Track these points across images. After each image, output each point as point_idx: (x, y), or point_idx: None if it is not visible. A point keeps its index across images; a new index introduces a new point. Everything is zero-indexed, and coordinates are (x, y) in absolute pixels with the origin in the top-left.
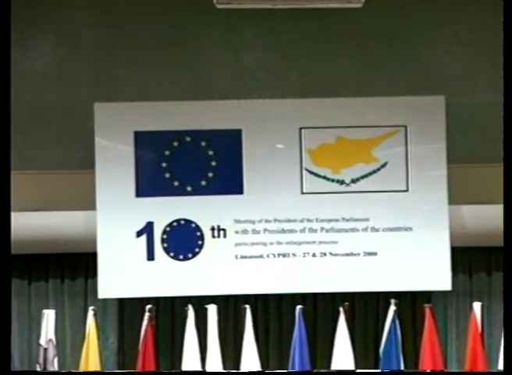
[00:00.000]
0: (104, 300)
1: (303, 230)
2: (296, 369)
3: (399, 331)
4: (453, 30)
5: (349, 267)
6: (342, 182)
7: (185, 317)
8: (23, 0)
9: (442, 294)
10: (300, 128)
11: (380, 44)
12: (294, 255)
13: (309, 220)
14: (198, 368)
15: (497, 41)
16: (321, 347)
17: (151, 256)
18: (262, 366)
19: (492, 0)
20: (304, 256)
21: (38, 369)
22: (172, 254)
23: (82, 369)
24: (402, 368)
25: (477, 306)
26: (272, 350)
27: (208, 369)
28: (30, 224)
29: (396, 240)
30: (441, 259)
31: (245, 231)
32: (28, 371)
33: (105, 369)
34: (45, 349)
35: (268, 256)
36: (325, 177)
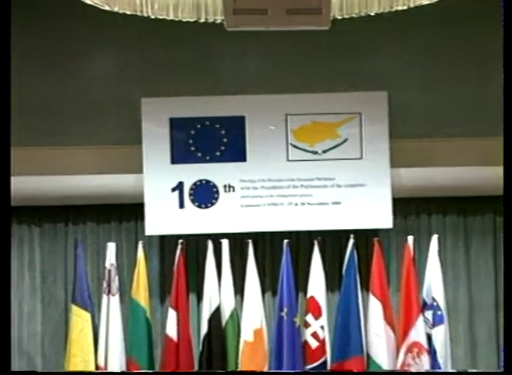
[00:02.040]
0: (150, 236)
1: (288, 187)
2: (284, 286)
3: (356, 258)
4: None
5: (320, 212)
6: (316, 152)
7: (205, 249)
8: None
9: (386, 231)
10: (286, 114)
11: (345, 55)
12: (282, 204)
13: (292, 180)
14: (214, 279)
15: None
16: (302, 268)
17: (181, 205)
18: (261, 284)
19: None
20: (289, 205)
21: (104, 285)
22: (196, 203)
23: (134, 284)
24: (358, 283)
25: (410, 239)
26: (268, 271)
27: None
28: (101, 183)
29: (354, 193)
30: (385, 206)
31: (247, 188)
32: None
33: (150, 282)
34: (109, 270)
35: (263, 205)
36: (303, 149)
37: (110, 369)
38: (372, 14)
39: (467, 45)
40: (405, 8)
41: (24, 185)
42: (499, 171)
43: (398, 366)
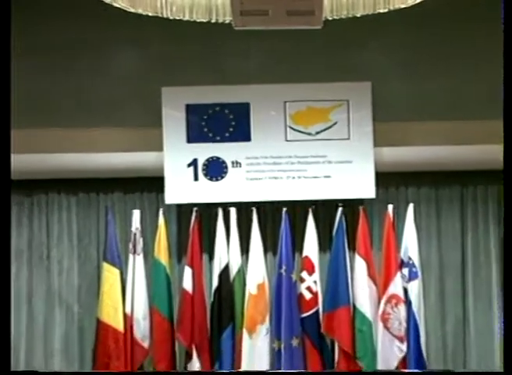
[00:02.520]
0: (169, 205)
1: (286, 163)
2: (283, 247)
3: (344, 223)
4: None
5: (314, 185)
6: (310, 134)
7: (216, 216)
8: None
9: (370, 200)
10: (285, 101)
11: (335, 50)
12: (281, 177)
13: (290, 157)
14: (223, 241)
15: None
16: (298, 232)
17: (196, 178)
18: (264, 245)
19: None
20: (287, 178)
21: (131, 246)
22: (208, 177)
23: (156, 245)
24: (345, 245)
25: (390, 208)
26: (269, 235)
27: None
28: (127, 160)
29: (342, 168)
30: (369, 179)
31: (252, 164)
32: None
33: (169, 244)
34: (135, 234)
35: (265, 178)
36: (299, 131)
37: (136, 316)
38: (358, 16)
39: (441, 42)
40: (386, 10)
41: (63, 162)
42: (466, 149)
43: (379, 314)
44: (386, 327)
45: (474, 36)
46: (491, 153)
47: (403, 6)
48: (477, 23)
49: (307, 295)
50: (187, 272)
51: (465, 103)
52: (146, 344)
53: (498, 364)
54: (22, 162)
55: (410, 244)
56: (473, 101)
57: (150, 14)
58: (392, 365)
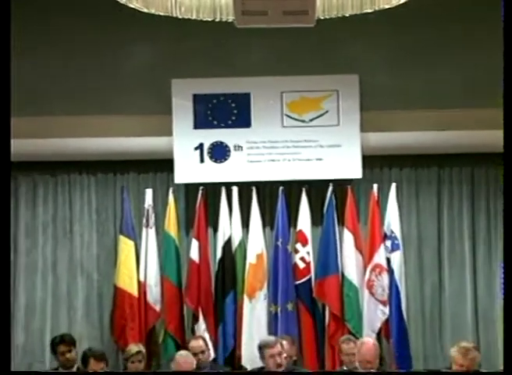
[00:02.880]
0: (178, 184)
1: (283, 147)
2: (279, 222)
3: (334, 201)
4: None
5: (307, 166)
6: (303, 121)
7: (220, 194)
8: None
9: (357, 180)
10: (281, 92)
11: (326, 46)
12: (278, 160)
13: (286, 141)
14: (226, 217)
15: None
16: (293, 209)
17: (202, 160)
18: (262, 220)
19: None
20: (283, 160)
21: (144, 221)
22: (213, 159)
23: (166, 220)
24: (335, 220)
25: (375, 187)
26: (267, 211)
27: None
28: (141, 144)
29: (332, 151)
30: (356, 161)
31: (252, 147)
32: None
33: (178, 219)
34: (147, 210)
35: (264, 161)
36: (294, 118)
37: (148, 282)
38: (347, 15)
39: (422, 39)
40: (372, 10)
41: (83, 146)
42: (443, 135)
43: (365, 281)
44: (371, 293)
45: (451, 33)
46: (465, 138)
47: (387, 7)
48: (454, 22)
49: (301, 265)
50: (194, 244)
51: (443, 94)
52: (158, 308)
53: (469, 323)
54: (47, 146)
55: (392, 219)
56: (450, 92)
57: (161, 14)
58: (376, 326)
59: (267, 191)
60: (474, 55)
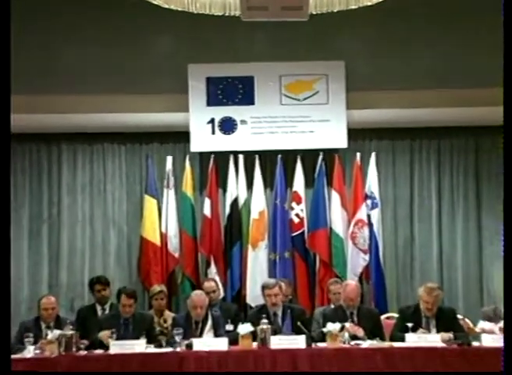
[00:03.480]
0: (193, 152)
1: (281, 121)
2: (278, 184)
3: (323, 166)
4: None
5: (301, 138)
6: (298, 99)
7: (228, 161)
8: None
9: (343, 149)
10: (280, 75)
11: (318, 37)
12: (277, 132)
13: (284, 117)
14: (233, 180)
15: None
16: (289, 173)
17: (213, 132)
18: (264, 182)
19: None
20: (282, 133)
21: (165, 182)
22: (222, 132)
23: (183, 182)
24: (325, 182)
25: (358, 155)
26: (268, 175)
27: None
28: (162, 119)
29: (322, 125)
30: (342, 134)
31: (255, 122)
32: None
33: (194, 181)
34: (168, 174)
35: (265, 133)
36: (291, 97)
37: (169, 234)
38: (335, 11)
39: (398, 30)
40: (356, 7)
41: (115, 120)
42: (416, 112)
43: (349, 234)
44: (354, 243)
45: (422, 26)
46: (435, 115)
47: (369, 4)
48: (426, 16)
49: (296, 220)
50: (207, 202)
51: (416, 77)
52: (176, 255)
53: (435, 268)
54: (85, 120)
55: (372, 182)
56: (423, 74)
57: (179, 9)
58: (358, 271)
59: (267, 158)
60: (443, 45)
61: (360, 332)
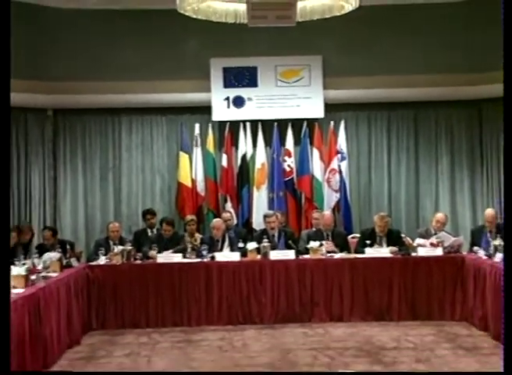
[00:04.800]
0: (214, 121)
1: (276, 99)
2: (274, 143)
3: (307, 131)
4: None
5: (291, 110)
6: (289, 83)
7: (239, 127)
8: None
9: (322, 119)
10: (276, 65)
11: (303, 38)
12: (274, 106)
13: (278, 95)
14: (243, 141)
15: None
16: (282, 134)
17: (228, 107)
18: (265, 142)
19: None
20: (278, 107)
21: (194, 142)
22: (235, 106)
23: (207, 142)
24: (308, 142)
25: (332, 123)
26: (267, 137)
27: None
28: (191, 97)
29: (306, 101)
30: (320, 107)
31: (258, 99)
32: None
33: (214, 141)
34: (196, 136)
35: (266, 107)
36: (283, 81)
37: (198, 179)
38: (314, 19)
39: (365, 32)
40: (330, 16)
41: (159, 98)
42: (373, 91)
43: (325, 178)
44: (329, 185)
45: (380, 28)
46: (386, 93)
47: (338, 14)
48: (379, 22)
49: (288, 169)
50: (224, 157)
51: (373, 66)
52: (203, 194)
53: (385, 202)
54: (139, 99)
55: (341, 142)
56: (378, 64)
57: (204, 18)
58: (332, 205)
59: (267, 125)
60: (394, 42)
61: (334, 247)
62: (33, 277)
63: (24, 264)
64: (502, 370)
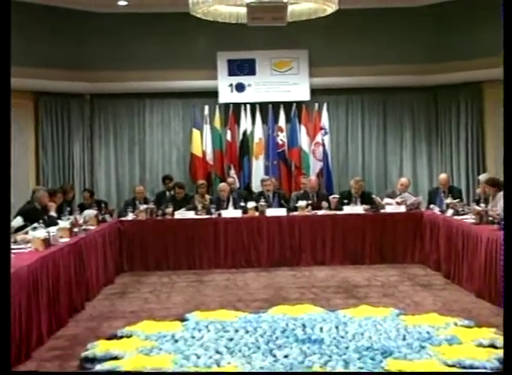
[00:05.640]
0: (221, 103)
1: (272, 85)
2: (269, 121)
3: (296, 112)
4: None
5: (283, 94)
6: (281, 72)
7: (240, 108)
8: None
9: (308, 101)
10: (271, 58)
11: (292, 35)
12: (269, 91)
13: (273, 82)
14: (244, 118)
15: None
16: (276, 116)
17: (231, 91)
18: (261, 117)
19: None
20: (272, 91)
21: (204, 120)
22: (237, 91)
23: (215, 120)
24: (297, 120)
25: (316, 105)
26: (264, 116)
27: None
28: (201, 84)
29: (295, 87)
30: (306, 91)
31: (256, 85)
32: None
33: (221, 119)
34: (205, 115)
35: (263, 91)
36: (277, 70)
37: (207, 150)
38: (303, 19)
39: (344, 30)
40: (315, 17)
41: (175, 84)
42: (350, 79)
43: (311, 150)
44: (314, 156)
45: (357, 27)
46: (361, 80)
47: (322, 15)
48: (356, 21)
49: (280, 142)
50: (228, 132)
51: (351, 58)
52: (211, 163)
53: (359, 169)
54: (158, 85)
55: (324, 120)
56: (355, 57)
57: (211, 19)
58: (316, 171)
59: (263, 106)
60: (369, 39)
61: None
62: (75, 230)
63: (68, 219)
64: (456, 308)
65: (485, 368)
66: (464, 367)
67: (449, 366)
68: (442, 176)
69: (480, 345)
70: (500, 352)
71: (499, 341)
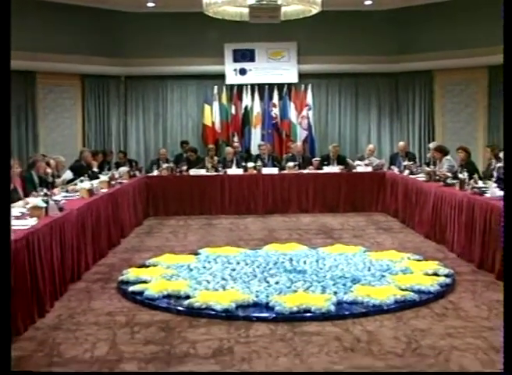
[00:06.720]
0: (227, 84)
1: (268, 70)
2: (266, 99)
3: (288, 92)
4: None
5: (276, 77)
6: (275, 60)
7: (243, 89)
8: None
9: (297, 83)
10: (267, 48)
11: (284, 30)
12: (266, 75)
13: (269, 68)
14: (245, 95)
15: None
16: (271, 96)
17: (236, 75)
18: (260, 98)
19: None
20: (268, 74)
21: (213, 98)
22: (241, 74)
23: (222, 97)
24: (288, 98)
25: (303, 86)
26: (261, 93)
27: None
28: (212, 69)
29: (287, 72)
30: (295, 75)
31: (256, 70)
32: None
33: (227, 97)
34: (215, 94)
35: (261, 75)
36: (272, 59)
37: (216, 121)
38: (292, 18)
39: (327, 25)
40: (304, 16)
41: (189, 69)
42: (332, 66)
43: (298, 122)
44: (301, 126)
45: (340, 23)
46: (340, 67)
47: (310, 14)
48: (339, 19)
49: (274, 115)
50: (233, 107)
51: (333, 49)
52: (219, 131)
53: (336, 137)
54: (176, 69)
55: (309, 98)
56: (337, 48)
57: (220, 17)
58: (302, 138)
59: (261, 87)
60: (350, 32)
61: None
62: (112, 182)
63: (107, 174)
64: (409, 246)
65: (429, 291)
66: (413, 291)
67: (403, 290)
68: (401, 143)
69: (426, 274)
70: (441, 279)
71: (441, 270)
